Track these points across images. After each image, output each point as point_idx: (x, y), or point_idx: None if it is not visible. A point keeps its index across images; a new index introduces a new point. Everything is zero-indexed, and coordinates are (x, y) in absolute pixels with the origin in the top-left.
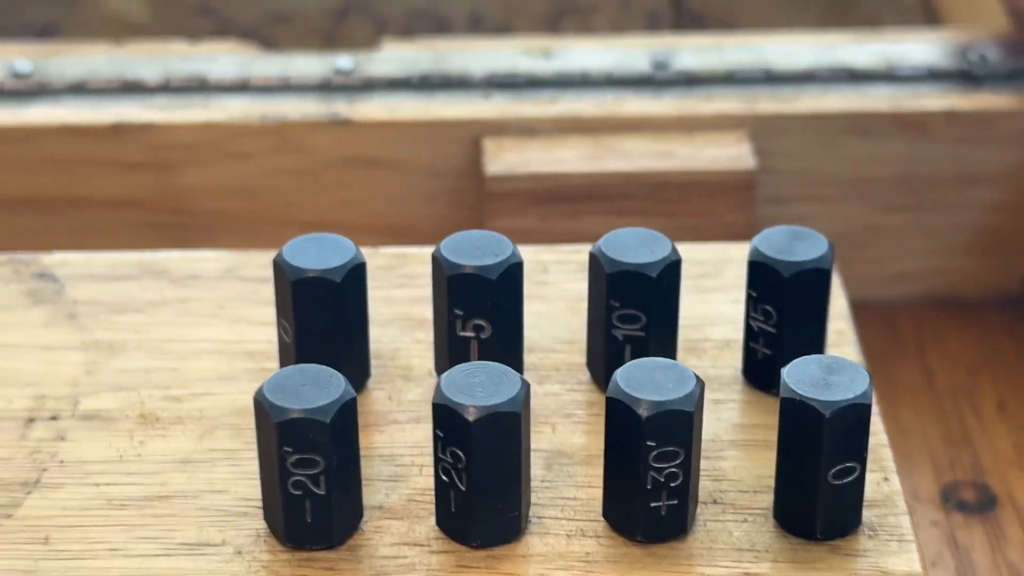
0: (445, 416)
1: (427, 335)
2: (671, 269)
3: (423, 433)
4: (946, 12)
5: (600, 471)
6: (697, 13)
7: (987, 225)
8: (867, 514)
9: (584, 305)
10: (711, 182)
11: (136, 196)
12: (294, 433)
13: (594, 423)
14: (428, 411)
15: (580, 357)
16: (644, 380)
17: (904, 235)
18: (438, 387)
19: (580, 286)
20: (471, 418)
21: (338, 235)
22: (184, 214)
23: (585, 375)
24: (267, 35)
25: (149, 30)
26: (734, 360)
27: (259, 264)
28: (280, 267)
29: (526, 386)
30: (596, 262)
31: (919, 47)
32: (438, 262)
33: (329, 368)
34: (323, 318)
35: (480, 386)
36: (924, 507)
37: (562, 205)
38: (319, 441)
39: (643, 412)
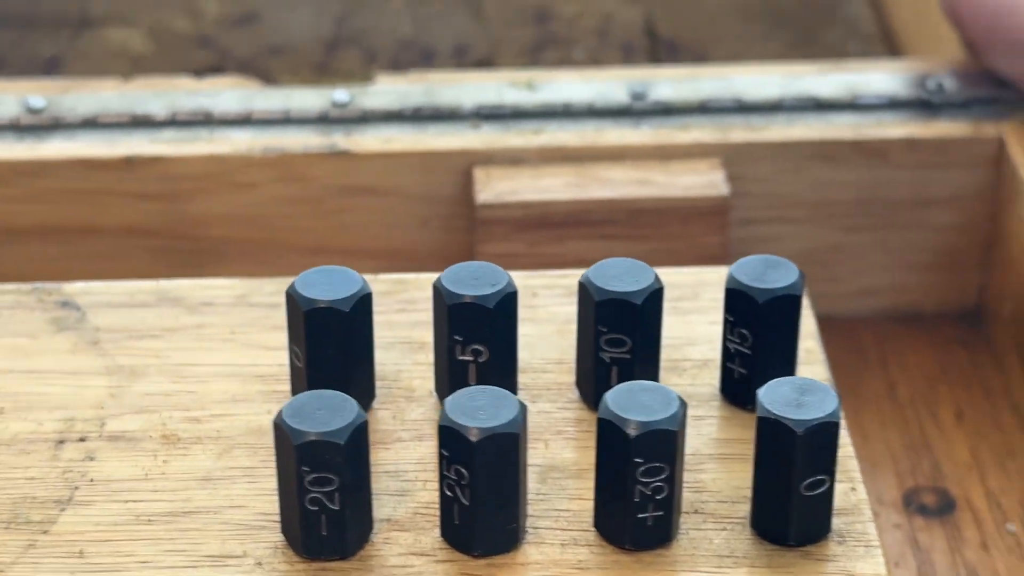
0: (450, 437)
1: (427, 357)
2: (654, 297)
3: (426, 450)
4: (906, 42)
5: (590, 484)
6: (671, 42)
7: (943, 244)
8: (836, 521)
9: (572, 327)
10: (687, 208)
11: (148, 225)
12: (311, 454)
13: (583, 439)
14: (430, 429)
15: (569, 376)
16: (632, 402)
17: (866, 254)
18: (443, 410)
19: (567, 309)
20: (474, 439)
21: (346, 267)
22: (193, 240)
23: (574, 394)
24: (263, 66)
25: (150, 62)
26: (712, 379)
27: (268, 291)
28: (293, 297)
29: (524, 409)
30: (585, 290)
31: (880, 77)
32: (439, 291)
33: (342, 394)
34: (332, 345)
35: (482, 409)
36: (887, 511)
37: (548, 231)
38: (334, 461)
39: (631, 432)
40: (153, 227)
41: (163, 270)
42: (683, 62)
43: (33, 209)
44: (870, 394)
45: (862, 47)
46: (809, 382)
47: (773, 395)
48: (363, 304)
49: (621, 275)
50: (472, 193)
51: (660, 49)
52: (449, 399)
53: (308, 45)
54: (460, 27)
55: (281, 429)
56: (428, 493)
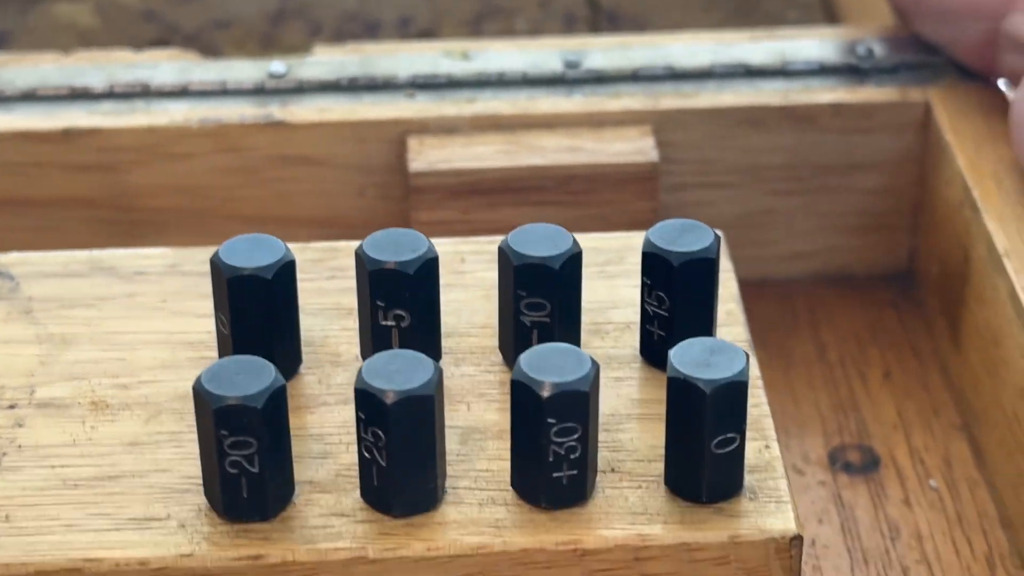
0: (365, 400)
1: (354, 323)
2: (572, 261)
3: (349, 413)
4: (844, 10)
5: (506, 443)
6: (612, 13)
7: (873, 208)
8: (749, 478)
9: (497, 292)
10: (617, 174)
11: (86, 196)
12: (229, 418)
13: (505, 401)
14: (352, 393)
15: (493, 340)
16: (545, 364)
17: (797, 218)
18: (359, 373)
19: (494, 275)
20: (388, 401)
21: (271, 235)
22: (132, 211)
23: (497, 357)
24: (208, 39)
25: (98, 35)
26: (633, 341)
27: (199, 260)
28: (216, 265)
29: (439, 371)
30: (504, 256)
31: (811, 44)
32: (360, 258)
33: (261, 359)
34: (256, 311)
35: (398, 372)
36: (813, 469)
37: (481, 198)
38: (252, 425)
39: (544, 392)
40: (92, 198)
41: (102, 241)
42: (625, 32)
43: None
44: (800, 356)
45: (801, 15)
46: (720, 343)
47: (683, 355)
48: (285, 271)
49: (540, 240)
50: (406, 161)
51: (601, 20)
52: (366, 363)
53: (253, 19)
54: None
55: (200, 394)
56: (350, 455)
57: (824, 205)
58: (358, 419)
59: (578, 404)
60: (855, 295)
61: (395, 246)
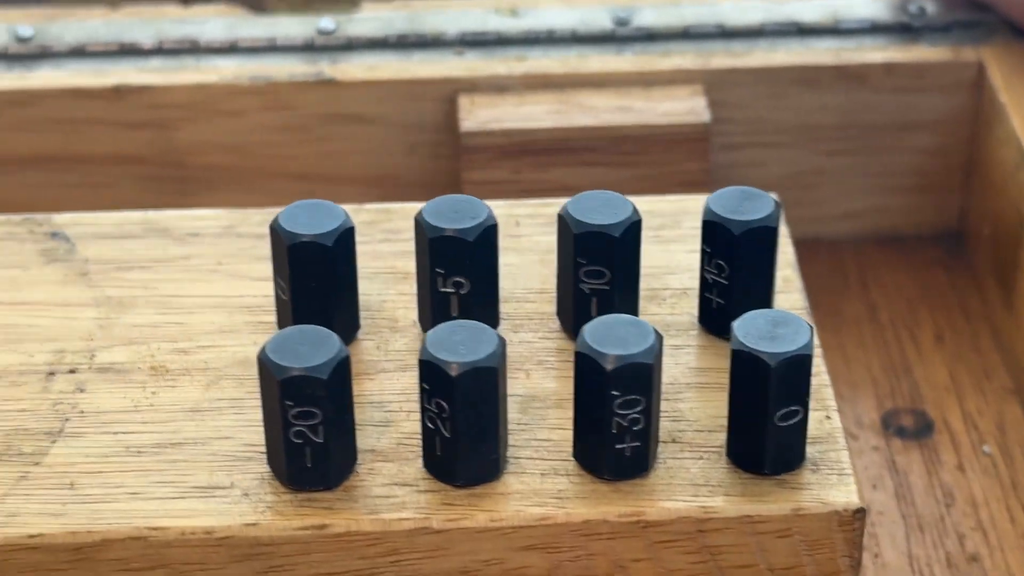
0: (431, 371)
1: (410, 287)
2: (632, 229)
3: (409, 380)
4: None
5: (570, 414)
6: None
7: (924, 168)
8: (810, 450)
9: (554, 256)
10: (669, 135)
11: (136, 153)
12: (294, 389)
13: (564, 369)
14: (414, 360)
15: (551, 306)
16: (609, 335)
17: (848, 177)
18: (424, 344)
19: (550, 239)
20: (454, 373)
21: (329, 201)
22: (180, 168)
23: (555, 324)
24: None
25: None
26: (690, 308)
27: (255, 222)
28: (276, 232)
29: (503, 342)
30: (564, 223)
31: (864, 1)
32: (420, 225)
33: (325, 329)
34: (316, 278)
35: (462, 343)
36: (866, 433)
37: (531, 158)
38: (317, 396)
39: (608, 365)
40: (140, 155)
41: (150, 198)
42: None
43: (22, 138)
44: (851, 316)
45: None
46: (783, 314)
47: (747, 328)
48: (345, 238)
49: (599, 207)
50: (457, 121)
51: None
52: (430, 333)
53: None
54: None
55: (265, 365)
56: (411, 424)
57: (875, 165)
58: (422, 390)
59: (642, 376)
60: (904, 255)
61: (454, 212)
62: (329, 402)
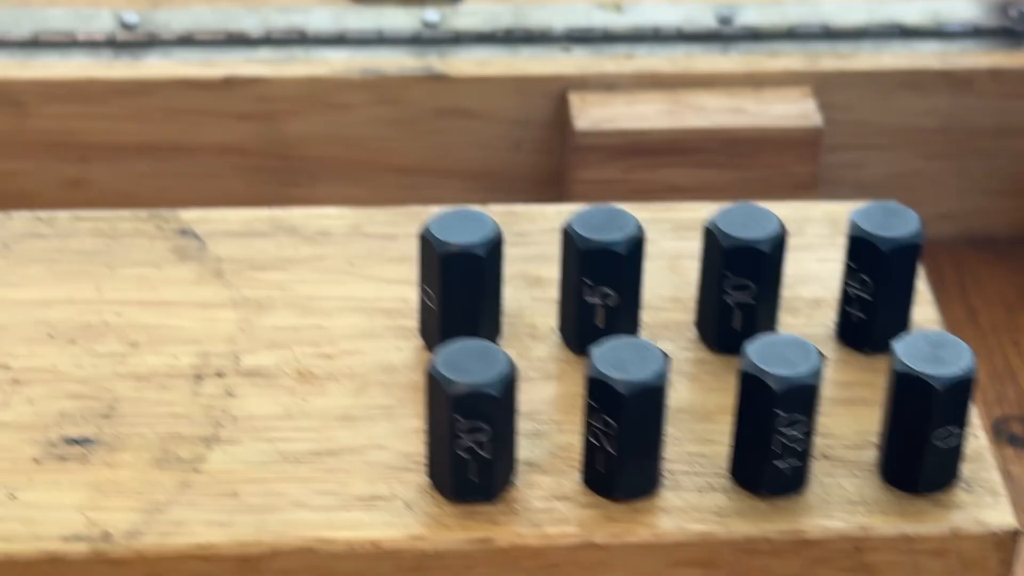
0: (599, 389)
1: (544, 293)
2: (779, 243)
3: (554, 390)
4: None
5: (718, 427)
6: None
7: (1020, 171)
8: (962, 468)
9: (682, 262)
10: (781, 138)
11: (241, 144)
12: (466, 404)
13: (707, 381)
14: (556, 369)
15: (685, 315)
16: (774, 355)
17: (946, 180)
18: (591, 361)
19: (675, 244)
20: (624, 392)
21: (478, 210)
22: (286, 160)
23: (693, 333)
24: None
25: None
26: (825, 319)
27: (381, 221)
28: (428, 241)
29: (667, 360)
30: (712, 236)
31: (964, 4)
32: (570, 236)
33: (490, 343)
34: (466, 287)
35: (629, 361)
36: None
37: (643, 158)
38: (487, 411)
39: (775, 386)
40: (247, 146)
41: (256, 189)
42: None
43: (131, 127)
44: (953, 321)
45: None
46: (942, 335)
47: (909, 349)
48: (496, 248)
49: (746, 221)
50: (567, 118)
51: None
52: (595, 350)
53: None
54: None
55: (435, 379)
56: (563, 435)
57: (973, 168)
58: (588, 407)
59: (807, 397)
60: (1000, 259)
61: (604, 224)
62: (499, 418)
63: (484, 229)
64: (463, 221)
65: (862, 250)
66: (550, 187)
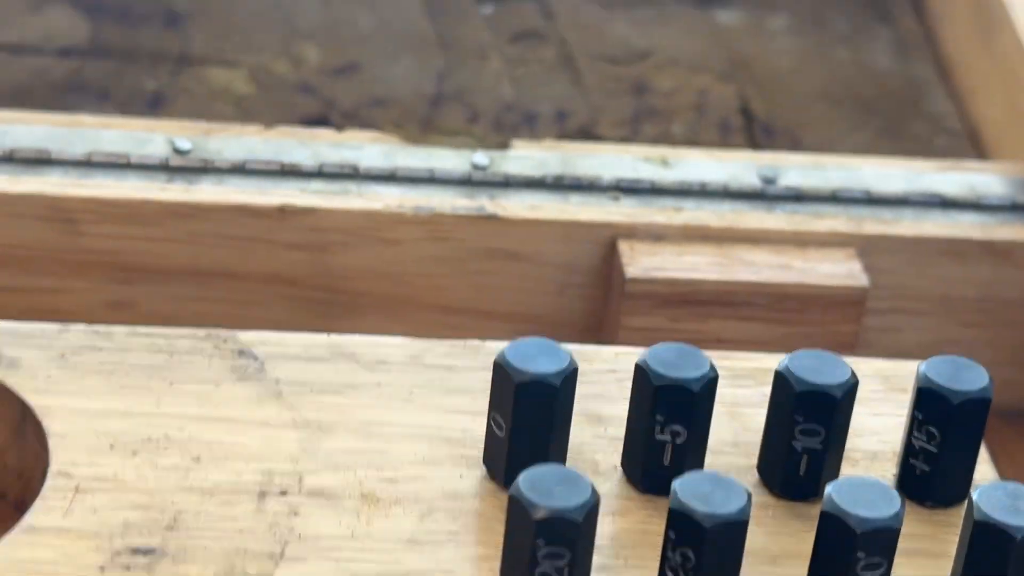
0: (681, 520)
1: (605, 431)
2: (852, 391)
3: (619, 525)
4: (990, 139)
5: (783, 570)
6: (766, 125)
7: None
8: None
9: (740, 409)
10: (828, 296)
11: (291, 274)
12: (548, 529)
13: (771, 525)
14: (619, 505)
15: (747, 460)
16: (856, 497)
17: (981, 350)
18: (674, 493)
19: (732, 391)
20: (707, 524)
21: (553, 341)
22: (332, 292)
23: (754, 476)
24: (367, 117)
25: (253, 103)
26: (882, 470)
27: (439, 353)
28: (503, 368)
29: (750, 496)
30: (784, 380)
31: (1000, 179)
32: (643, 371)
33: (573, 470)
34: (539, 417)
35: (711, 494)
36: None
37: (692, 308)
38: (569, 537)
39: (856, 527)
40: (295, 276)
41: (300, 319)
42: (780, 144)
43: (180, 250)
44: None
45: (948, 141)
46: (1018, 487)
47: (988, 500)
48: (571, 379)
49: (819, 367)
50: (615, 265)
51: (756, 129)
52: (677, 482)
53: (411, 100)
54: (560, 93)
55: (519, 501)
56: (630, 570)
57: (1007, 339)
58: (667, 538)
59: (889, 540)
60: None
61: (678, 361)
62: (579, 544)
63: (560, 360)
64: (538, 351)
65: (930, 401)
66: (592, 333)
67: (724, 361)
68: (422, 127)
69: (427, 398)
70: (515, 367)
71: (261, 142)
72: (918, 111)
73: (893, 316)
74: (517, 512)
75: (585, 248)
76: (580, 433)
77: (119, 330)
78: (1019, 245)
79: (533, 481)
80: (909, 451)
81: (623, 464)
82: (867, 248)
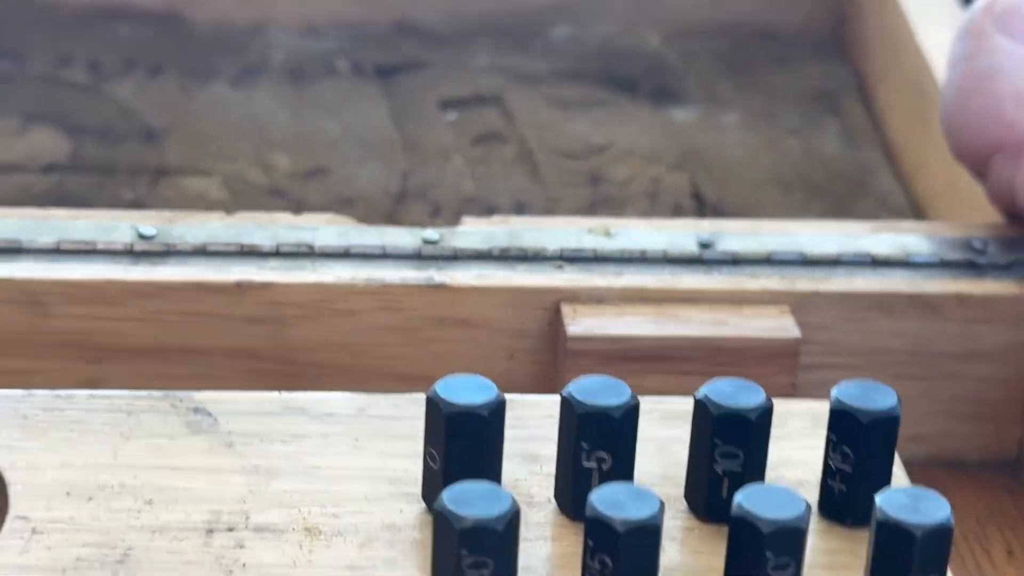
0: (597, 527)
1: (541, 467)
2: (767, 413)
3: (551, 549)
4: (932, 214)
5: None
6: (716, 207)
7: (986, 396)
8: None
9: (672, 446)
10: (762, 348)
11: (251, 347)
12: (471, 538)
13: (695, 545)
14: (551, 531)
15: (675, 490)
16: (764, 502)
17: (915, 402)
18: (590, 503)
19: (665, 432)
20: (620, 529)
21: (482, 376)
22: (292, 364)
23: (683, 505)
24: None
25: (227, 209)
26: (808, 496)
27: (385, 405)
28: (434, 401)
29: (663, 504)
30: (702, 406)
31: (930, 239)
32: (568, 401)
33: (497, 486)
34: (470, 446)
35: (626, 503)
36: None
37: (632, 364)
38: (491, 545)
39: (763, 528)
40: (256, 349)
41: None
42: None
43: (145, 329)
44: None
45: (893, 218)
46: (920, 490)
47: (889, 503)
48: (499, 410)
49: (735, 393)
50: (559, 327)
51: (707, 212)
52: (594, 493)
53: (377, 197)
54: (518, 186)
55: (442, 514)
56: None
57: (941, 391)
58: (585, 547)
59: (795, 539)
60: (969, 480)
61: (601, 391)
62: (502, 553)
63: (487, 393)
64: (468, 385)
65: (842, 421)
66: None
67: (656, 404)
68: (388, 222)
69: (371, 444)
70: (445, 400)
71: (223, 227)
72: (865, 191)
73: (828, 371)
74: (442, 524)
75: (531, 314)
76: (516, 470)
77: (81, 393)
78: (948, 298)
79: (456, 496)
80: (827, 473)
81: (555, 494)
82: (800, 305)
